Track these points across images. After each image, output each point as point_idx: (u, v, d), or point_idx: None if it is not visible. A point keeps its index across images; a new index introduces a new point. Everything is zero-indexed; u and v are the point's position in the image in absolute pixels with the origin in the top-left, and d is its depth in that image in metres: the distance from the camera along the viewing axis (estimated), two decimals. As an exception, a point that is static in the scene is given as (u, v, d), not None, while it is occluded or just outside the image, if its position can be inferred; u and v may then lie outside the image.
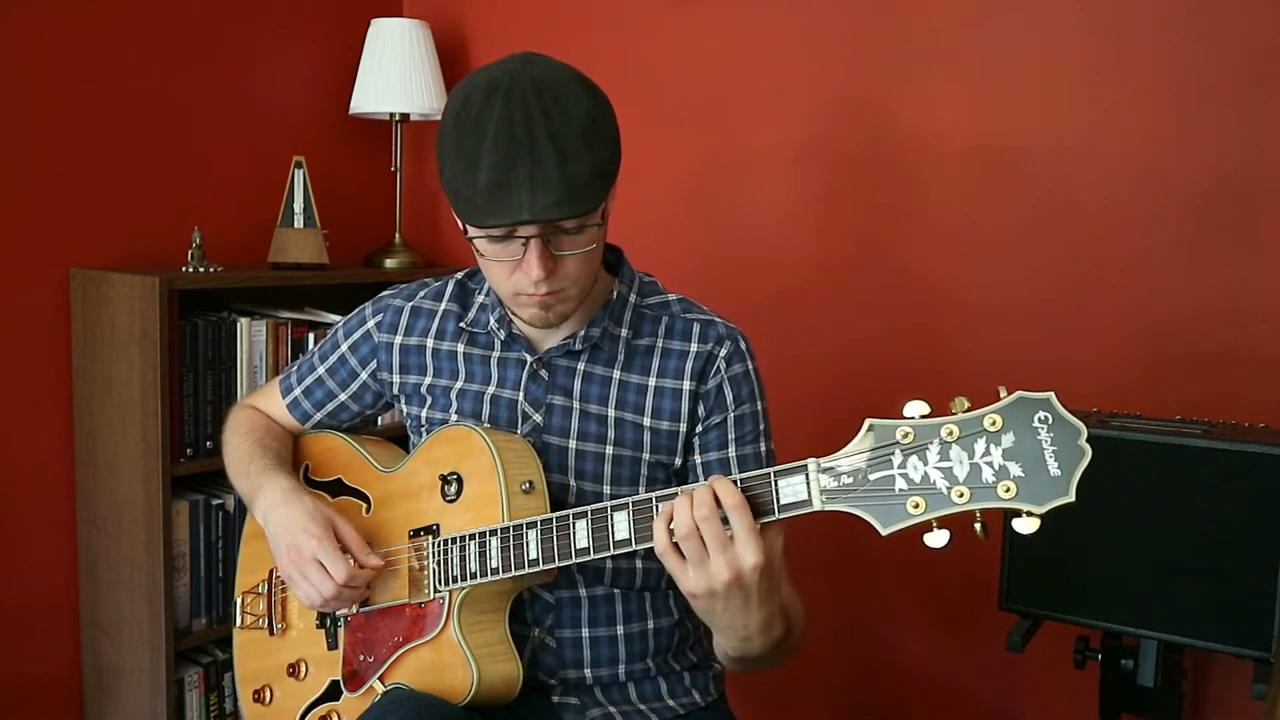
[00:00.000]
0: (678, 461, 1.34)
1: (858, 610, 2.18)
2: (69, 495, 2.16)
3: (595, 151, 1.16)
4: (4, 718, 2.11)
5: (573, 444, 1.32)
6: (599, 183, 1.17)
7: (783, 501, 1.03)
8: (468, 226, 1.20)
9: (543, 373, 1.34)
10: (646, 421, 1.32)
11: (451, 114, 1.19)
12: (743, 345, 1.36)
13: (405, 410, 1.44)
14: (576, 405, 1.33)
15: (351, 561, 1.26)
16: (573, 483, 1.32)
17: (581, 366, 1.34)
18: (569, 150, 1.14)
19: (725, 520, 1.03)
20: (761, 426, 1.36)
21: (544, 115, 1.14)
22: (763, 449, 1.35)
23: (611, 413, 1.32)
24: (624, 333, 1.34)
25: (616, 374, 1.34)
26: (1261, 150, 1.74)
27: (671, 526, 1.05)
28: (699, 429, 1.33)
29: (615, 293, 1.35)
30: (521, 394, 1.34)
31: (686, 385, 1.32)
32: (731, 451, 1.33)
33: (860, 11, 2.09)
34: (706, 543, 1.03)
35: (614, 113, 1.22)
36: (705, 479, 1.28)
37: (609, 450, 1.32)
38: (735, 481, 1.05)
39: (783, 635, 1.13)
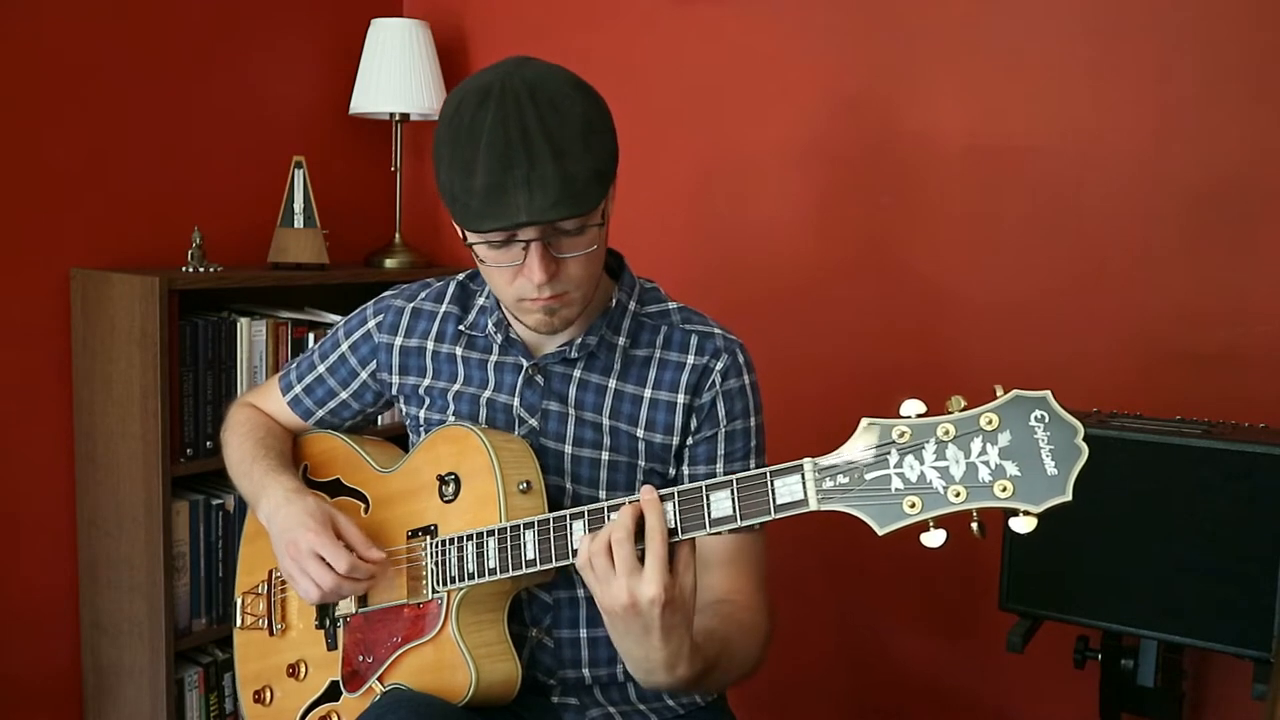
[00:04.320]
0: (672, 471, 1.34)
1: (857, 610, 2.18)
2: (69, 495, 2.16)
3: (592, 151, 1.15)
4: (4, 718, 2.11)
5: (569, 449, 1.32)
6: (596, 182, 1.16)
7: (779, 501, 1.02)
8: (466, 233, 1.20)
9: (538, 378, 1.33)
10: (640, 433, 1.32)
11: (445, 120, 1.18)
12: (740, 358, 1.34)
13: (404, 410, 1.44)
14: (572, 412, 1.32)
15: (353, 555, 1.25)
16: (569, 486, 1.31)
17: (577, 374, 1.33)
18: (565, 150, 1.13)
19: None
20: (753, 443, 1.34)
21: (539, 117, 1.13)
22: (752, 465, 1.34)
23: (606, 421, 1.32)
24: (622, 341, 1.33)
25: (612, 383, 1.33)
26: (1261, 150, 1.73)
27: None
28: (689, 441, 1.32)
29: (615, 300, 1.34)
30: (517, 399, 1.34)
31: (681, 398, 1.31)
32: (719, 467, 1.32)
33: (861, 12, 2.08)
34: (615, 564, 1.04)
35: (610, 113, 1.21)
36: None
37: (605, 456, 1.31)
38: (672, 507, 1.06)
39: (692, 676, 1.10)
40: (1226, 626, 1.48)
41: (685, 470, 1.33)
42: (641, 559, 1.05)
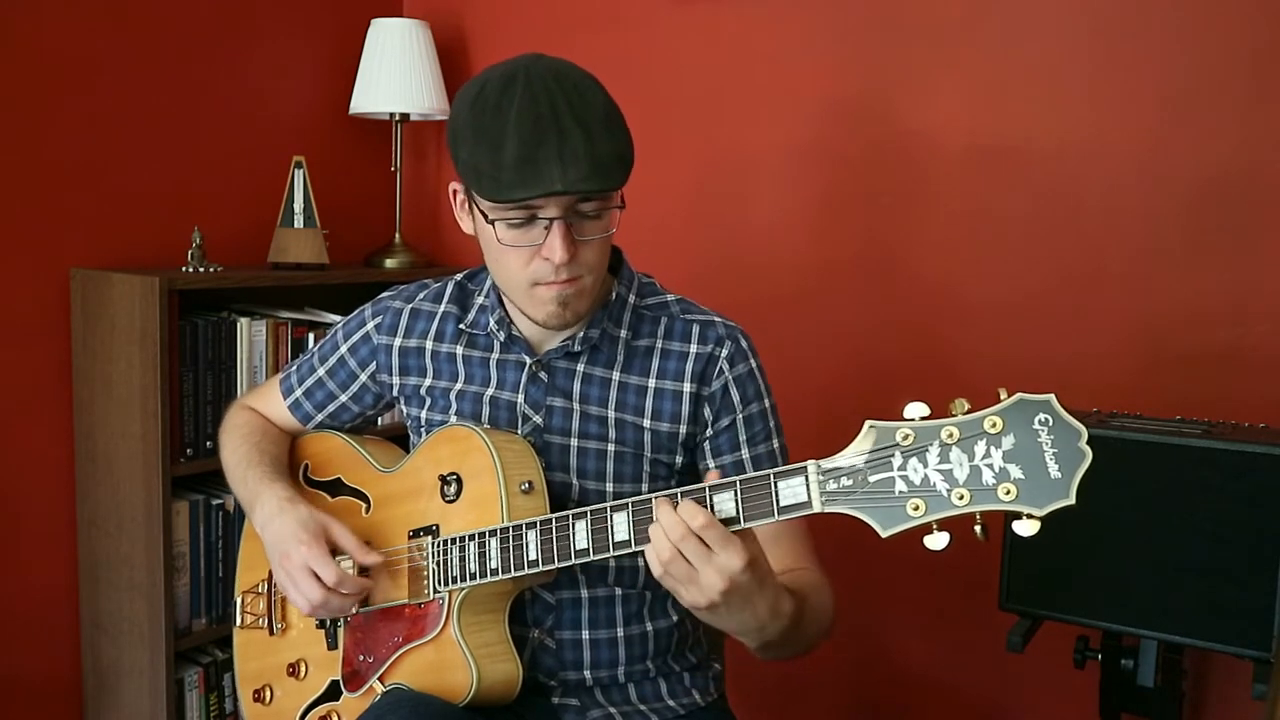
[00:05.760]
0: (678, 461, 1.34)
1: (858, 610, 2.18)
2: (69, 495, 2.16)
3: (615, 135, 1.19)
4: (4, 718, 2.11)
5: (574, 442, 1.32)
6: (620, 163, 1.19)
7: (782, 503, 1.02)
8: (487, 211, 1.21)
9: (542, 374, 1.34)
10: (646, 423, 1.32)
11: (466, 103, 1.20)
12: (744, 344, 1.35)
13: (405, 411, 1.44)
14: (576, 407, 1.33)
15: (347, 565, 1.26)
16: (575, 481, 1.32)
17: (581, 368, 1.34)
18: (593, 131, 1.16)
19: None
20: (771, 424, 1.36)
21: (566, 99, 1.16)
22: (775, 445, 1.35)
23: (612, 414, 1.32)
24: (623, 333, 1.34)
25: (616, 375, 1.33)
26: (1261, 150, 1.74)
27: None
28: (709, 433, 1.33)
29: (614, 293, 1.35)
30: (521, 396, 1.34)
31: (687, 387, 1.32)
32: (745, 453, 1.33)
33: (861, 12, 2.08)
34: (691, 560, 1.04)
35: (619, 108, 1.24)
36: None
37: (611, 448, 1.32)
38: (703, 499, 1.06)
39: (796, 611, 1.12)
40: (1226, 626, 1.48)
41: (710, 463, 1.33)
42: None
